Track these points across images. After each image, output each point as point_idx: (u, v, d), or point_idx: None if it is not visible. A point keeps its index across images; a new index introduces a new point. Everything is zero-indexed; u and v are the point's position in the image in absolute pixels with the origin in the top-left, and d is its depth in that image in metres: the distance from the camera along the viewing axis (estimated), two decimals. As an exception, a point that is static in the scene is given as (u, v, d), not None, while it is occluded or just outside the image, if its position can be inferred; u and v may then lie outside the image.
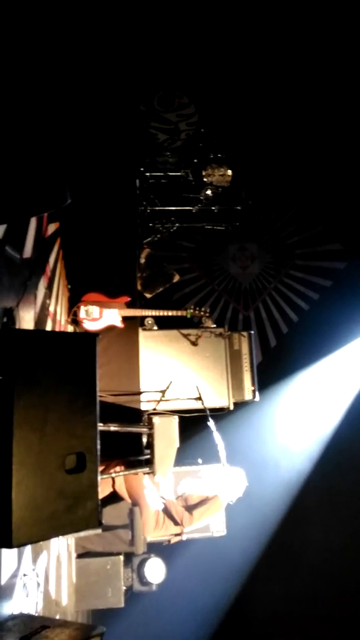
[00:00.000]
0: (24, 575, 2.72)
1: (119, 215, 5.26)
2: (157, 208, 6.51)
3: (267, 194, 7.40)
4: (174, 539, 4.29)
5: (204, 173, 6.40)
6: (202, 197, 6.59)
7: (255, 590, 6.51)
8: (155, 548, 4.82)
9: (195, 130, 6.55)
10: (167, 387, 4.33)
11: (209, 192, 6.49)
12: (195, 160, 6.56)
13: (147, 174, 6.48)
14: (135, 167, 6.17)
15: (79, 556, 4.53)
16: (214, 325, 5.00)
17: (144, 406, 4.51)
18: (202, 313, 4.91)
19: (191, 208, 6.64)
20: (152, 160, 6.60)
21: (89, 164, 4.61)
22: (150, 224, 6.53)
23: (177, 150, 6.57)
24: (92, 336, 2.48)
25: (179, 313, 4.90)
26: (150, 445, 3.94)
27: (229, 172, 6.40)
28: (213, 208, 6.70)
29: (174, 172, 6.60)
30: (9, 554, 2.44)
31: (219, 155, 6.48)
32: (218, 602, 6.41)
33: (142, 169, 6.40)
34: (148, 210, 6.47)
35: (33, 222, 3.39)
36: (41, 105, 2.34)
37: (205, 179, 6.39)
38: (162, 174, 6.56)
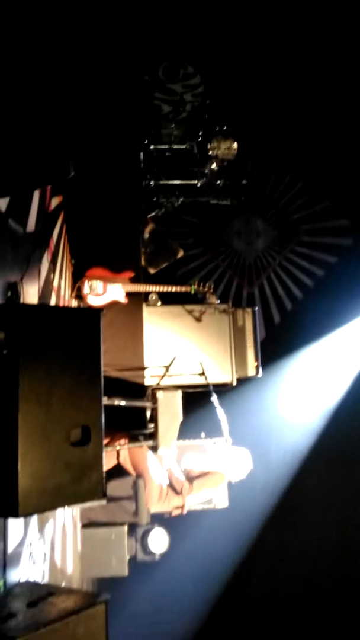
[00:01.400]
0: (30, 544, 2.78)
1: (122, 189, 5.20)
2: (161, 182, 6.42)
3: (273, 168, 7.29)
4: (176, 512, 4.36)
5: (209, 146, 6.28)
6: (207, 171, 6.48)
7: (255, 562, 6.66)
8: (159, 519, 4.92)
9: (200, 102, 6.41)
10: (171, 363, 4.34)
11: (214, 165, 6.39)
12: (201, 133, 6.44)
13: (151, 146, 6.37)
14: (139, 140, 6.06)
15: (84, 526, 4.63)
16: (218, 302, 4.98)
17: (148, 381, 4.54)
18: (206, 289, 4.89)
19: (196, 182, 6.55)
20: (156, 132, 6.47)
21: (93, 136, 4.54)
22: (154, 198, 6.45)
23: (182, 122, 6.44)
24: (96, 311, 2.47)
25: (183, 289, 4.87)
26: (154, 419, 3.98)
27: (235, 145, 6.29)
28: (218, 182, 6.60)
29: (178, 145, 6.48)
30: (16, 523, 2.49)
31: (224, 127, 6.35)
32: (220, 572, 6.56)
33: (146, 141, 6.29)
34: (152, 184, 6.38)
35: (36, 195, 3.35)
36: (44, 76, 2.29)
37: (210, 152, 6.28)
38: (166, 146, 6.45)
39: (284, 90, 6.31)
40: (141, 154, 6.04)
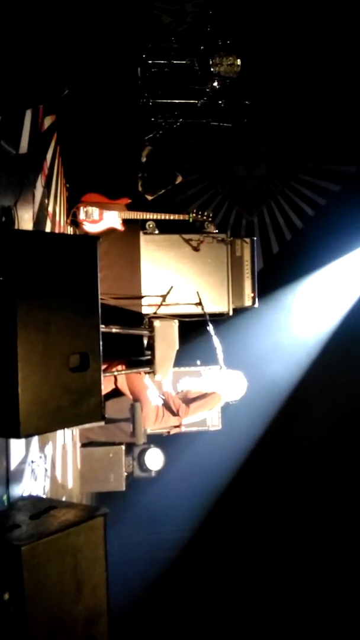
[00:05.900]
0: (32, 462, 2.92)
1: (119, 108, 4.95)
2: (159, 101, 6.10)
3: (279, 88, 6.87)
4: (173, 431, 4.56)
5: (211, 62, 5.90)
6: (208, 90, 6.14)
7: (246, 478, 7.06)
8: (155, 439, 5.15)
9: (202, 12, 5.92)
10: (168, 292, 4.36)
11: (215, 83, 6.04)
12: (202, 48, 6.01)
13: (150, 61, 5.98)
14: (136, 54, 5.69)
15: (83, 445, 4.85)
16: (216, 231, 4.91)
17: (145, 310, 4.57)
18: (204, 218, 4.80)
19: (196, 102, 6.22)
20: (155, 46, 6.04)
21: (87, 50, 4.25)
22: (152, 119, 6.16)
23: (183, 35, 6.00)
24: (93, 239, 2.46)
25: (181, 217, 4.79)
26: (150, 347, 4.05)
27: (238, 61, 5.90)
28: (220, 102, 6.27)
29: (178, 60, 6.08)
30: (18, 443, 2.61)
31: (227, 42, 5.93)
32: (212, 487, 6.98)
33: (144, 55, 5.89)
34: (150, 103, 6.06)
35: (28, 114, 3.19)
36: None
37: (212, 69, 5.91)
38: (165, 62, 6.05)
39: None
40: (138, 69, 5.69)
